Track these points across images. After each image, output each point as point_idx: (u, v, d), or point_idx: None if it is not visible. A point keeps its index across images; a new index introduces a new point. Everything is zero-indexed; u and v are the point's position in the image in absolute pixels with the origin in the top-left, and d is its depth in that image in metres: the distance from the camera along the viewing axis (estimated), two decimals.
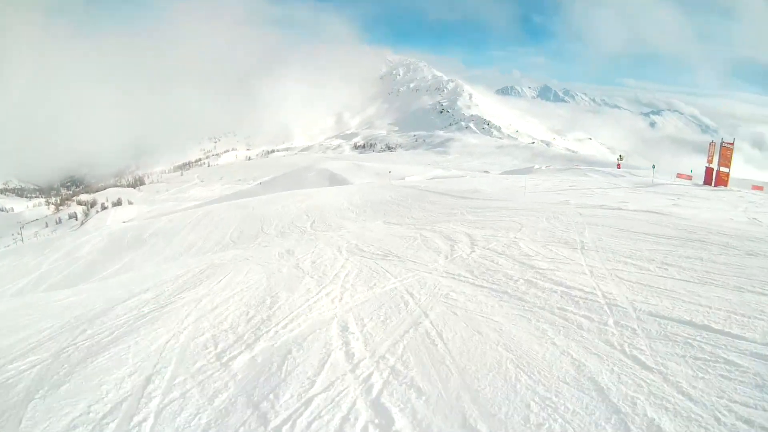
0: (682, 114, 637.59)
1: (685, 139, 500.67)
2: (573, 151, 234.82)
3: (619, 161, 59.03)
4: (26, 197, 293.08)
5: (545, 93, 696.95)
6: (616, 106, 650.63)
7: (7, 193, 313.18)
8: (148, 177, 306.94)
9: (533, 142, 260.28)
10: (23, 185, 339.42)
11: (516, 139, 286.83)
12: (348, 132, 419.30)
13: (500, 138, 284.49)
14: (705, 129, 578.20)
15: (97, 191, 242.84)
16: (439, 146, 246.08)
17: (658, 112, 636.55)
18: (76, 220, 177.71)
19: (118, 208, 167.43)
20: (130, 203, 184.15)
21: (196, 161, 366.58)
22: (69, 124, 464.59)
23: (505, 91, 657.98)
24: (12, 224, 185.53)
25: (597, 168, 54.27)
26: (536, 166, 67.06)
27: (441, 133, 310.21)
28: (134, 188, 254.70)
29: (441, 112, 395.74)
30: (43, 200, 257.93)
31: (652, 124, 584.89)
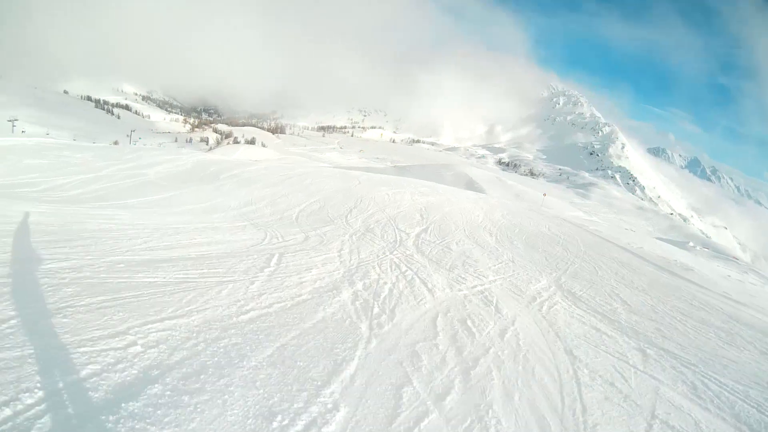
0: None
1: None
2: (707, 236, 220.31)
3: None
4: (166, 110, 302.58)
5: (694, 166, 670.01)
6: (758, 202, 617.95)
7: (149, 101, 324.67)
8: (290, 128, 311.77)
9: (672, 214, 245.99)
10: (167, 98, 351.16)
11: (656, 204, 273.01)
12: (496, 145, 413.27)
13: (642, 199, 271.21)
14: None
15: (236, 125, 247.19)
16: (581, 188, 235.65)
17: None
18: (207, 144, 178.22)
19: (251, 146, 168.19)
20: (264, 146, 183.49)
21: (341, 128, 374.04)
22: (221, 54, 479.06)
23: (655, 152, 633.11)
24: (144, 130, 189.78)
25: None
26: (691, 244, 58.38)
27: (586, 174, 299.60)
28: (273, 134, 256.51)
29: (591, 153, 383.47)
30: (181, 117, 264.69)
31: None
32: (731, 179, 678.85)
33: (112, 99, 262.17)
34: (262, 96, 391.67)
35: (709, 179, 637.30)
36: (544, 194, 68.13)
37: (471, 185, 73.74)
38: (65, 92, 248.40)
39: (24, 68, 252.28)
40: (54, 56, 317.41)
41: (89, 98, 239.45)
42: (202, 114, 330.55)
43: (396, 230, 15.00)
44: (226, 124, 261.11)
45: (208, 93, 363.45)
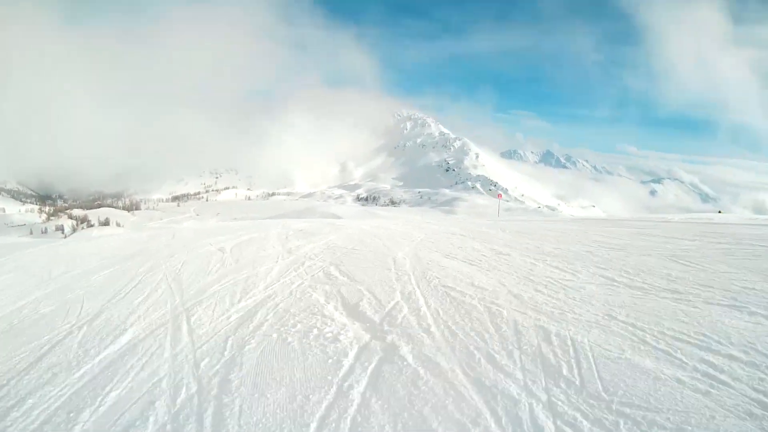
0: (682, 182, 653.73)
1: (688, 207, 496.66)
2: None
3: None
4: (21, 201, 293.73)
5: (548, 158, 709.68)
6: (616, 174, 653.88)
7: (3, 193, 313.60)
8: (145, 203, 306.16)
9: (539, 207, 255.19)
10: (21, 188, 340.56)
11: (523, 202, 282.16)
12: (351, 183, 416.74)
13: (507, 201, 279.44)
14: (705, 198, 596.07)
15: (91, 208, 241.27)
16: (445, 204, 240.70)
17: (658, 181, 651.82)
18: (62, 233, 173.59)
19: (104, 228, 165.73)
20: (119, 225, 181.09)
21: (195, 194, 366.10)
22: (72, 136, 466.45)
23: (508, 155, 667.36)
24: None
25: None
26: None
27: (447, 191, 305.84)
28: (129, 211, 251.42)
29: (447, 170, 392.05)
30: (36, 207, 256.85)
31: (653, 192, 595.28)
32: (586, 161, 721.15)
33: None
34: (112, 174, 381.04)
35: (564, 166, 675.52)
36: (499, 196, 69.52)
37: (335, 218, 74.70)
38: None
39: None
40: None
41: None
42: (57, 201, 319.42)
43: None
44: (82, 208, 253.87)
45: (57, 178, 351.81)
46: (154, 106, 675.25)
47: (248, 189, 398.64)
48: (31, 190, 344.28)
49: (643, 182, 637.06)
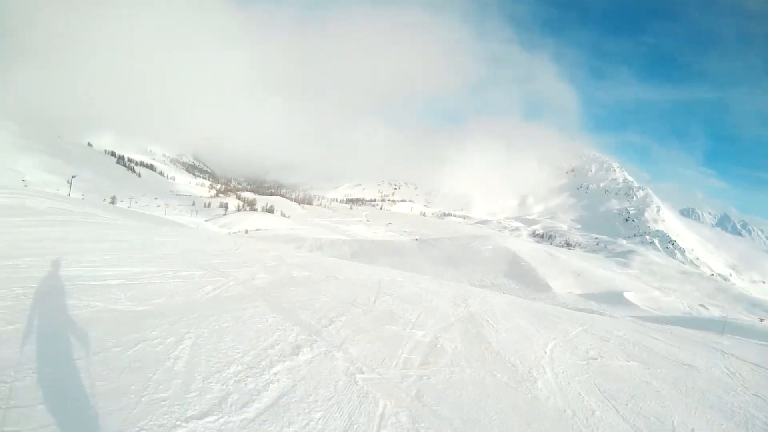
0: None
1: None
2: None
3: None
4: (194, 174, 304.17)
5: (724, 222, 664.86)
6: None
7: (177, 164, 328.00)
8: (318, 199, 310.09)
9: (712, 275, 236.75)
10: (196, 163, 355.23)
11: (698, 267, 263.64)
12: (529, 217, 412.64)
13: (683, 263, 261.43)
14: None
15: (264, 194, 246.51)
16: (621, 256, 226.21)
17: None
18: (225, 210, 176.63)
19: (265, 215, 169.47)
20: (284, 215, 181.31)
21: (370, 200, 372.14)
22: (252, 124, 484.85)
23: (686, 213, 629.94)
24: (163, 191, 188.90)
25: None
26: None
27: (624, 242, 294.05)
28: (299, 204, 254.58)
29: (627, 219, 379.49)
30: (207, 182, 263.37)
31: None
32: (761, 231, 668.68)
33: (138, 157, 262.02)
34: (291, 167, 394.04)
35: (740, 234, 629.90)
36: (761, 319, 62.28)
37: (516, 265, 66.52)
38: (89, 144, 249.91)
39: (48, 116, 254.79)
40: (80, 106, 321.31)
41: (113, 154, 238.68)
42: (232, 182, 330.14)
43: None
44: (254, 192, 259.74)
45: (232, 159, 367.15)
46: (337, 107, 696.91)
47: (425, 205, 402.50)
48: (207, 168, 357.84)
49: None
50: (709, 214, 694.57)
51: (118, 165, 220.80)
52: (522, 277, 63.04)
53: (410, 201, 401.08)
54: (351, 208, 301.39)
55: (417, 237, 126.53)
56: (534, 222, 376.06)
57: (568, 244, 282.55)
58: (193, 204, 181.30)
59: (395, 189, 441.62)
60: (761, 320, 58.72)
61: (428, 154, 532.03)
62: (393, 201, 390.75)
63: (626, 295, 56.16)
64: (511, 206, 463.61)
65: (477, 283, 59.54)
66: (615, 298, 53.80)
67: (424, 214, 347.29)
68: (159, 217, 53.94)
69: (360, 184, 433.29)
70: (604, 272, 75.96)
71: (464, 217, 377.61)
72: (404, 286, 12.25)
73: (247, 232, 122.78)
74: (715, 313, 60.65)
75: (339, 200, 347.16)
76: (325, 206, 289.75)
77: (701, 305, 66.03)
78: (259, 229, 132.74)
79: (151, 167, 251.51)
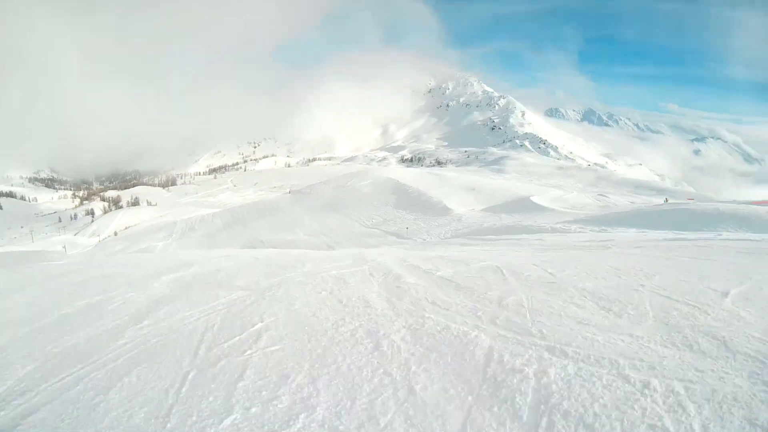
0: (725, 142, 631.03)
1: (733, 168, 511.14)
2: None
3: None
4: (55, 188, 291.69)
5: (589, 116, 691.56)
6: (659, 132, 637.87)
7: (35, 182, 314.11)
8: (181, 178, 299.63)
9: (589, 165, 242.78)
10: (55, 176, 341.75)
11: (573, 160, 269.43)
12: (394, 144, 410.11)
13: (558, 159, 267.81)
14: (748, 158, 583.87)
15: (126, 188, 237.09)
16: (494, 164, 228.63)
17: (701, 140, 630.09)
18: (92, 217, 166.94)
19: (129, 210, 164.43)
20: (150, 204, 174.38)
21: (233, 165, 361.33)
22: (103, 118, 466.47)
23: (551, 113, 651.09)
24: (27, 216, 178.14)
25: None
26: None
27: (494, 150, 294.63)
28: (164, 188, 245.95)
29: (493, 128, 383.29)
30: (69, 193, 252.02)
31: (696, 152, 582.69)
32: (628, 119, 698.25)
33: None
34: (147, 151, 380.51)
35: (607, 125, 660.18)
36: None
37: (403, 195, 63.79)
38: None
39: None
40: None
41: None
42: (93, 184, 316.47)
43: None
44: (117, 188, 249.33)
45: (91, 161, 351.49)
46: (183, 79, 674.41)
47: (287, 156, 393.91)
48: (67, 177, 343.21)
49: (685, 141, 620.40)
50: (573, 110, 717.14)
51: None
52: (415, 206, 61.10)
53: (272, 156, 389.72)
54: (215, 178, 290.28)
55: (288, 190, 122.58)
56: (400, 148, 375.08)
57: (438, 163, 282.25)
58: (59, 220, 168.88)
59: (255, 147, 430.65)
60: (666, 200, 58.73)
61: (284, 103, 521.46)
62: (255, 160, 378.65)
63: (533, 199, 52.78)
64: (375, 137, 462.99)
65: (368, 222, 58.85)
66: (524, 206, 49.90)
67: (288, 165, 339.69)
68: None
69: (220, 151, 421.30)
70: (495, 182, 73.30)
71: (329, 159, 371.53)
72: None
73: (116, 234, 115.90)
74: (621, 200, 60.04)
75: (202, 173, 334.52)
76: (189, 182, 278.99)
77: (600, 194, 65.15)
78: (129, 227, 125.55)
79: (10, 195, 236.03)
